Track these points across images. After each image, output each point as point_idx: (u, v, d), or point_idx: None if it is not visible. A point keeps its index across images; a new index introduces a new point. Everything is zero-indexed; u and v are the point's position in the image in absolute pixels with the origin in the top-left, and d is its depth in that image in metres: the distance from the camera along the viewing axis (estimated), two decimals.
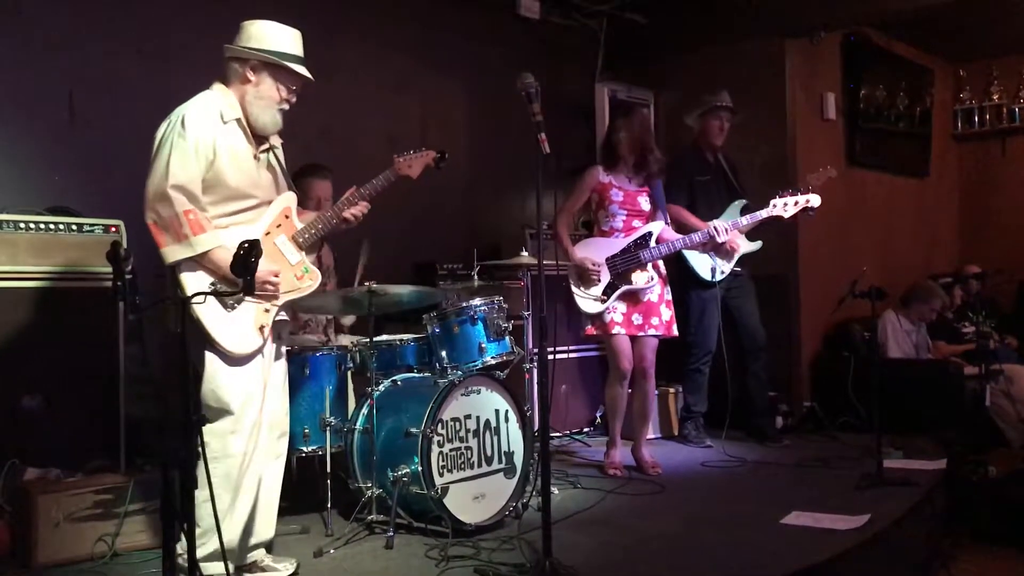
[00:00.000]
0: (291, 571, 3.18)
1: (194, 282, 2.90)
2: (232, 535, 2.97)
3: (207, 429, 2.77)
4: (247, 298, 2.96)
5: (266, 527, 3.18)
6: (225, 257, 2.88)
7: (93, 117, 4.37)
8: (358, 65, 5.51)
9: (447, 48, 6.01)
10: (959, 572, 4.18)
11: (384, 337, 4.16)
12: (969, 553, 4.40)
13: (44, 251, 3.74)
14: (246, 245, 2.44)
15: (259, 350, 3.03)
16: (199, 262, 2.92)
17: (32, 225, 3.73)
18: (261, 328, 3.02)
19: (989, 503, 4.62)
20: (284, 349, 3.28)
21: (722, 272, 5.21)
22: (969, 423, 5.48)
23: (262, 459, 3.09)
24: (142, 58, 4.53)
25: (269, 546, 3.23)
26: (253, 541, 3.13)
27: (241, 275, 2.46)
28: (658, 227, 4.68)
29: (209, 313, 2.91)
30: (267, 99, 3.08)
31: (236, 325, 2.96)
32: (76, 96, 4.36)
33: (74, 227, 3.82)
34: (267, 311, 3.05)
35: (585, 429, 5.81)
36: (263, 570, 3.15)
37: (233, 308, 2.96)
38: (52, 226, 3.77)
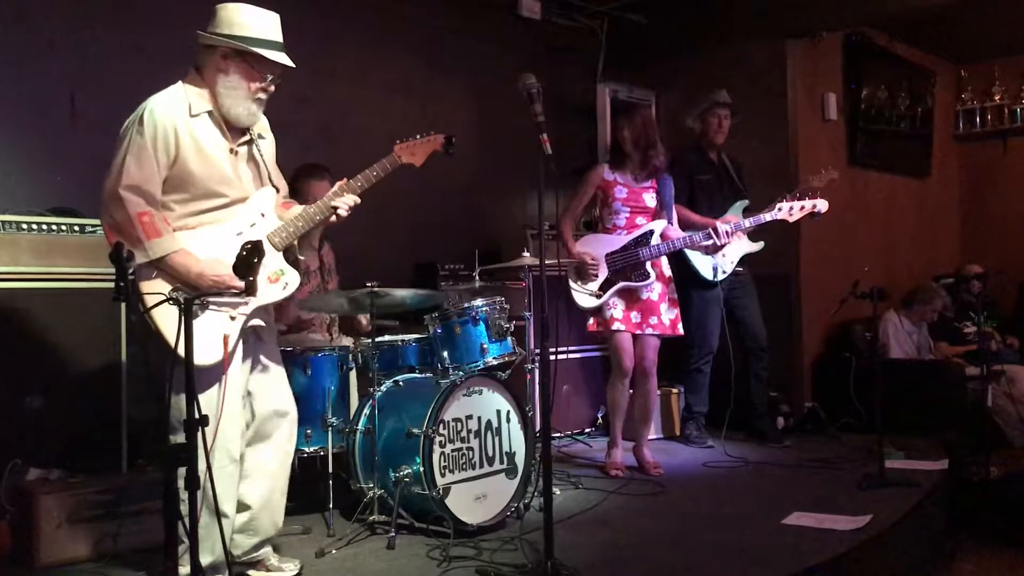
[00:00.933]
0: (295, 572, 3.17)
1: (152, 288, 2.75)
2: (212, 551, 2.84)
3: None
4: (212, 306, 2.82)
5: (270, 526, 3.13)
6: (183, 262, 2.78)
7: (95, 117, 4.37)
8: (359, 66, 5.51)
9: (448, 49, 6.02)
10: (960, 572, 4.18)
11: (386, 337, 4.16)
12: (971, 553, 4.39)
13: (47, 252, 3.74)
14: (248, 246, 2.43)
15: (220, 362, 2.82)
16: (156, 266, 2.78)
17: (35, 226, 3.73)
18: (225, 338, 2.83)
19: (991, 503, 4.62)
20: (271, 351, 3.13)
21: (724, 272, 5.21)
22: (970, 424, 5.48)
23: (236, 475, 2.96)
24: (144, 58, 4.53)
25: (276, 546, 3.22)
26: (254, 541, 3.10)
27: (244, 276, 2.46)
28: (660, 225, 4.68)
29: (168, 323, 2.69)
30: (238, 89, 2.88)
31: (197, 335, 2.73)
32: (78, 96, 4.37)
33: (76, 228, 3.82)
34: (233, 319, 2.88)
35: (587, 429, 5.81)
36: (268, 569, 3.15)
37: (195, 316, 2.75)
38: (55, 227, 3.77)
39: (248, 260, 2.42)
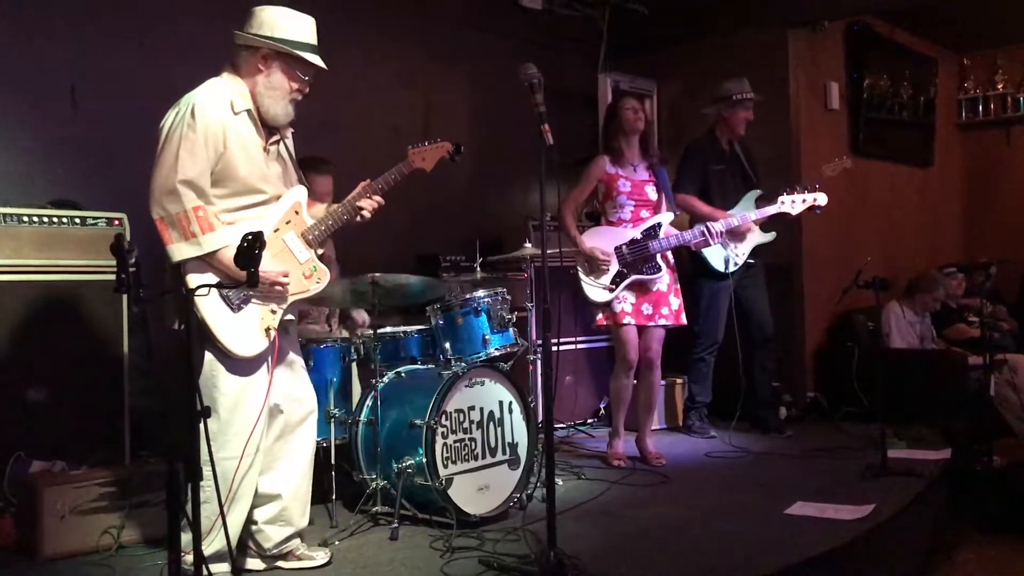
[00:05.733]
0: (326, 560, 3.20)
1: (201, 282, 2.78)
2: (223, 539, 2.84)
3: None
4: (254, 299, 2.92)
5: (299, 516, 3.18)
6: (233, 255, 2.85)
7: (96, 109, 4.36)
8: (361, 57, 5.49)
9: (449, 39, 6.00)
10: (963, 562, 4.18)
11: (388, 329, 4.16)
12: (973, 543, 4.39)
13: (48, 244, 3.74)
14: (250, 237, 2.43)
15: (264, 354, 2.96)
16: (207, 261, 2.84)
17: (35, 219, 3.73)
18: (267, 330, 2.94)
19: (993, 493, 4.62)
20: (295, 344, 3.23)
21: (735, 263, 5.21)
22: (973, 413, 5.47)
23: (259, 465, 3.02)
24: (145, 50, 4.52)
25: (303, 536, 3.24)
26: (286, 532, 3.14)
27: (245, 267, 2.45)
28: (668, 218, 4.68)
29: (214, 312, 2.84)
30: (279, 89, 2.98)
31: (241, 326, 2.89)
32: (79, 88, 4.35)
33: (77, 220, 3.82)
34: (273, 312, 2.98)
35: (589, 420, 5.82)
36: (299, 559, 3.17)
37: (239, 308, 2.89)
38: (55, 219, 3.77)
39: (249, 251, 2.42)
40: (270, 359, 3.00)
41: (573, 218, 4.78)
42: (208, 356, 2.89)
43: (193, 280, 2.82)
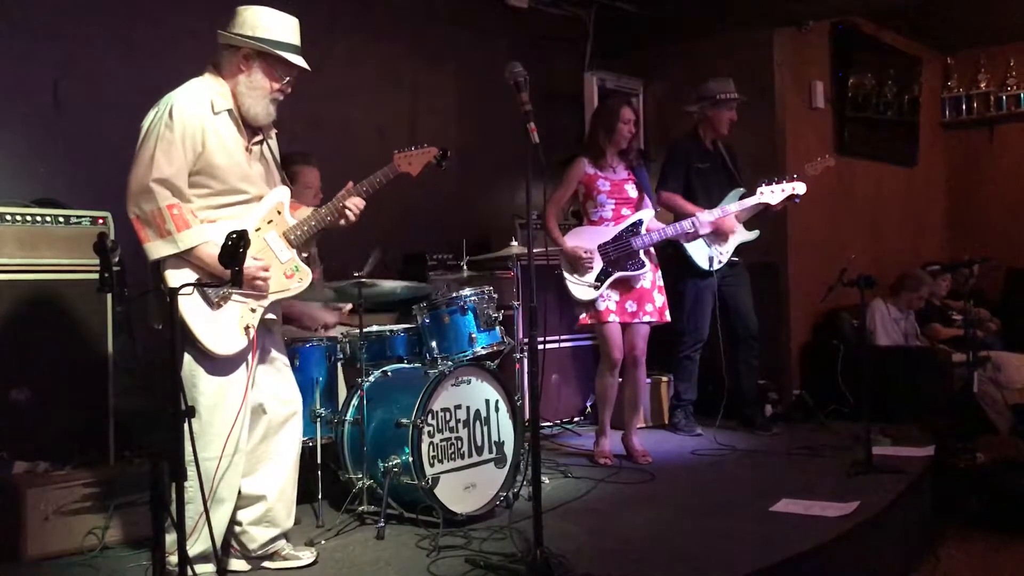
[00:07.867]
0: (312, 560, 3.19)
1: (180, 279, 2.80)
2: (207, 540, 2.86)
3: None
4: (234, 296, 2.90)
5: (285, 517, 3.17)
6: (212, 253, 2.80)
7: (79, 108, 4.33)
8: (347, 55, 5.48)
9: (436, 38, 5.99)
10: (947, 558, 4.21)
11: (374, 328, 4.15)
12: (957, 539, 4.42)
13: (31, 243, 3.70)
14: (234, 235, 2.42)
15: (243, 353, 2.94)
16: (185, 258, 2.84)
17: (18, 217, 3.69)
18: (247, 328, 2.93)
19: (977, 489, 4.65)
20: (279, 344, 3.22)
21: (720, 262, 5.22)
22: (957, 410, 5.51)
23: (240, 464, 3.01)
24: (129, 48, 4.49)
25: (288, 536, 3.24)
26: (272, 533, 3.13)
27: (229, 266, 2.45)
28: (648, 215, 4.70)
29: (192, 310, 2.83)
30: (259, 89, 2.98)
31: (220, 324, 2.88)
32: (62, 86, 4.32)
33: (61, 219, 3.79)
34: (253, 311, 2.96)
35: (575, 418, 5.82)
36: (285, 559, 3.17)
37: (219, 306, 2.88)
38: (39, 218, 3.74)
39: (234, 250, 2.41)
40: (249, 358, 2.98)
41: (556, 220, 4.79)
42: (187, 357, 2.87)
43: (172, 278, 2.82)
